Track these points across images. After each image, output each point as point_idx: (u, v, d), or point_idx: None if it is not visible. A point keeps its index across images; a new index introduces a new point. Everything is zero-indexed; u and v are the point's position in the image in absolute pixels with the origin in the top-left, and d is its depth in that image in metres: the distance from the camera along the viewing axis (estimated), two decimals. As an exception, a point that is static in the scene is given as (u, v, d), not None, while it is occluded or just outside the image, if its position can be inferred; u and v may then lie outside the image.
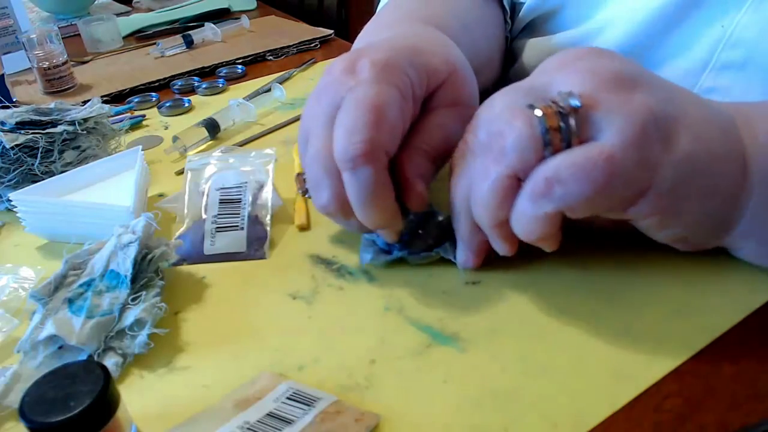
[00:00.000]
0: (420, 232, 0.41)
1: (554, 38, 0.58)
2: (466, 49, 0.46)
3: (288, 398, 0.31)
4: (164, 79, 0.80)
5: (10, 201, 0.47)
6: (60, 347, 0.36)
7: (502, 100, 0.35)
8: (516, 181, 0.33)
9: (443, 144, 0.40)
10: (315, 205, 0.39)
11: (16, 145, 0.50)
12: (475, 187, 0.35)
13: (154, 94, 0.76)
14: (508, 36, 0.63)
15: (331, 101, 0.38)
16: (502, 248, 0.37)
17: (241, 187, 0.47)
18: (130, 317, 0.37)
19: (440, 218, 0.41)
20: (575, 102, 0.31)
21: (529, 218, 0.33)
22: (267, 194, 0.47)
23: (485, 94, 0.63)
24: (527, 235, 0.34)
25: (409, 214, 0.40)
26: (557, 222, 0.33)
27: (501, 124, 0.33)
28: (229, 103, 0.65)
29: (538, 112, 0.32)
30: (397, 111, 0.37)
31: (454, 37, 0.46)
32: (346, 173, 0.36)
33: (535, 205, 0.32)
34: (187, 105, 0.71)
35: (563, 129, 0.31)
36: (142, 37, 1.02)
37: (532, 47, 0.60)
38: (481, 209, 0.35)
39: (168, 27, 1.05)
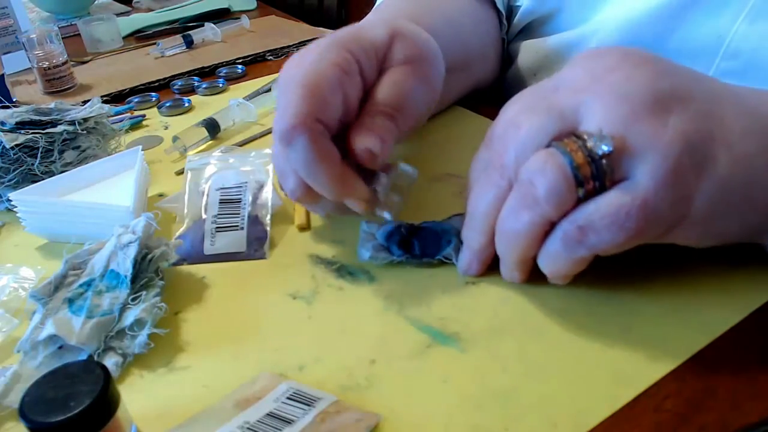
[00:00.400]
0: (419, 236, 0.41)
1: (549, 40, 0.58)
2: (449, 42, 0.47)
3: (288, 398, 0.31)
4: (164, 79, 0.80)
5: (10, 201, 0.47)
6: (60, 347, 0.36)
7: (529, 120, 0.33)
8: (548, 223, 0.33)
9: (396, 98, 0.40)
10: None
11: (16, 145, 0.50)
12: (504, 223, 0.34)
13: (154, 94, 0.76)
14: (504, 38, 0.63)
15: (282, 96, 0.39)
16: (515, 278, 0.37)
17: (241, 187, 0.47)
18: (130, 317, 0.37)
19: (413, 174, 0.41)
20: (607, 147, 0.30)
21: (560, 260, 0.33)
22: (267, 194, 0.47)
23: (482, 92, 0.64)
24: (555, 273, 0.34)
25: (378, 176, 0.40)
26: (587, 263, 0.33)
27: (532, 171, 0.32)
28: (229, 103, 0.65)
29: (569, 157, 0.31)
30: (334, 84, 0.38)
31: (435, 31, 0.46)
32: (287, 150, 0.37)
33: (568, 250, 0.32)
34: (187, 105, 0.71)
35: (595, 173, 0.31)
36: (142, 37, 1.02)
37: (527, 49, 0.60)
38: (508, 246, 0.35)
39: (168, 27, 1.05)
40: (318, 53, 0.39)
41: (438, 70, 0.45)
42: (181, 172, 0.55)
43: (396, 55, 0.42)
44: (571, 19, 0.56)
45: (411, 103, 0.41)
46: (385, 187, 0.40)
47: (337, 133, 0.40)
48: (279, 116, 0.38)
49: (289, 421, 0.30)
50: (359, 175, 0.40)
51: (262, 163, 0.50)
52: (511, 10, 0.62)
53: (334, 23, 1.61)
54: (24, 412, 0.26)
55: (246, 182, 0.48)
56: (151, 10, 1.14)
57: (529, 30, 0.61)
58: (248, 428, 0.29)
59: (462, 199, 0.46)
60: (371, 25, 0.43)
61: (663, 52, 0.48)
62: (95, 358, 0.35)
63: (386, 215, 0.40)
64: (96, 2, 1.25)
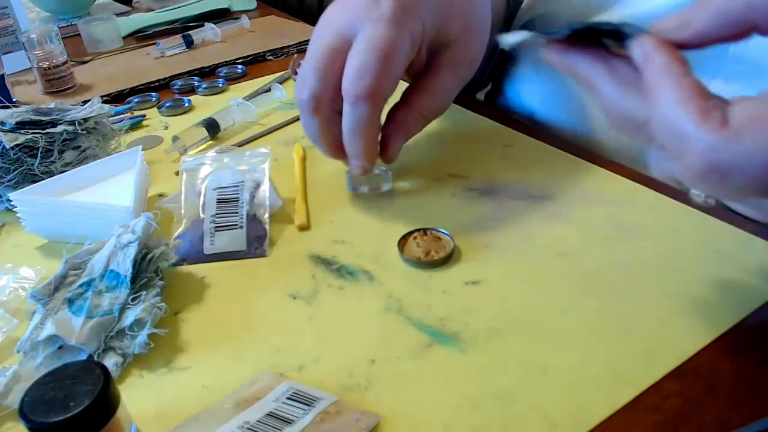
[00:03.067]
0: None
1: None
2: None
3: (288, 398, 0.31)
4: (164, 79, 0.80)
5: (10, 201, 0.47)
6: (60, 347, 0.36)
7: None
8: None
9: (441, 109, 0.47)
10: (296, 90, 0.45)
11: (16, 145, 0.50)
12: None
13: (154, 94, 0.76)
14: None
15: (348, 21, 0.42)
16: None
17: (237, 186, 0.47)
18: (130, 317, 0.37)
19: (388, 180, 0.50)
20: None
21: None
22: (264, 193, 0.47)
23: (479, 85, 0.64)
24: None
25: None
26: None
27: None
28: (229, 103, 0.65)
29: None
30: (404, 59, 0.42)
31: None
32: (347, 105, 0.42)
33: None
34: (187, 105, 0.71)
35: None
36: (142, 37, 1.02)
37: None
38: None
39: (168, 27, 1.05)
40: (397, 13, 0.41)
41: (476, 67, 0.48)
42: (181, 172, 0.55)
43: (454, 55, 0.45)
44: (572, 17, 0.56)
45: (446, 107, 0.47)
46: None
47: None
48: (353, 73, 0.40)
49: (289, 421, 0.30)
50: None
51: (257, 162, 0.50)
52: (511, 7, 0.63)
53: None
54: (24, 412, 0.26)
55: (242, 181, 0.48)
56: (151, 10, 1.13)
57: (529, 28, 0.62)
58: (248, 428, 0.29)
59: (460, 200, 0.46)
60: (456, 2, 0.44)
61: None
62: (95, 358, 0.35)
63: (363, 189, 0.49)
64: (96, 2, 1.25)
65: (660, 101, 0.28)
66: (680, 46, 0.29)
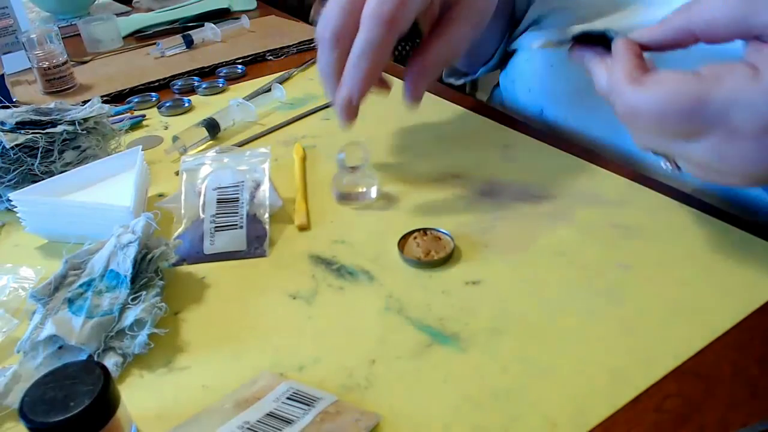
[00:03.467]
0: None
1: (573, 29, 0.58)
2: None
3: (288, 398, 0.31)
4: (164, 79, 0.80)
5: (10, 201, 0.47)
6: (60, 347, 0.36)
7: None
8: None
9: (453, 55, 0.50)
10: (317, 28, 0.47)
11: (16, 145, 0.50)
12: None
13: (154, 94, 0.76)
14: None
15: None
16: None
17: (237, 186, 0.47)
18: (130, 317, 0.37)
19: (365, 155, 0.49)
20: None
21: None
22: (264, 192, 0.47)
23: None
24: None
25: None
26: None
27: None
28: (229, 103, 0.65)
29: None
30: (418, 5, 0.44)
31: None
32: (363, 28, 0.44)
33: None
34: (187, 105, 0.71)
35: None
36: (142, 37, 1.02)
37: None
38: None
39: (168, 27, 1.05)
40: None
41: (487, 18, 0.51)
42: (181, 172, 0.55)
43: (464, 7, 0.48)
44: (583, 19, 0.56)
45: (462, 52, 0.50)
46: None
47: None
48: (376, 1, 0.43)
49: (289, 421, 0.30)
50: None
51: (257, 162, 0.50)
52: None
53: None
54: (24, 412, 0.26)
55: (243, 181, 0.48)
56: (151, 10, 1.13)
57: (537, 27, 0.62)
58: (248, 428, 0.29)
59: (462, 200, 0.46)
60: None
61: (689, 57, 0.49)
62: (95, 358, 0.35)
63: (340, 155, 0.48)
64: (96, 2, 1.25)
65: (613, 74, 0.36)
66: (645, 48, 0.37)
